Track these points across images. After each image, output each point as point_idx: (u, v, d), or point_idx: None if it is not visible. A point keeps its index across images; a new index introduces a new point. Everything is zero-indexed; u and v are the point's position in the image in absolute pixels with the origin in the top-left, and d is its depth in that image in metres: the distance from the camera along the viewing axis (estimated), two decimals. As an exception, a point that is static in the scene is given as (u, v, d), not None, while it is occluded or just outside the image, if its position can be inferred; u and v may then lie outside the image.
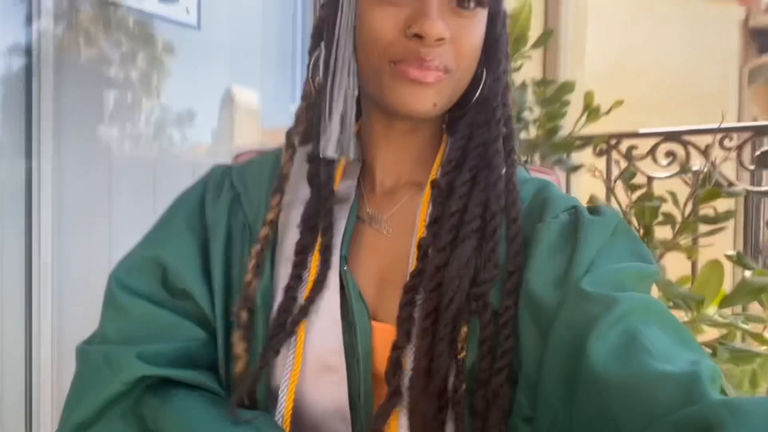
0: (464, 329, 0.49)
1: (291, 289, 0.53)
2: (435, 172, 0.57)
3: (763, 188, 1.61)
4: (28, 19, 1.06)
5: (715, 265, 1.09)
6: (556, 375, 0.43)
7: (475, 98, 0.57)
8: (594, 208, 0.54)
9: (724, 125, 1.41)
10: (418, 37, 0.49)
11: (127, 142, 1.24)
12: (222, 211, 0.59)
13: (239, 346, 0.54)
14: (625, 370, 0.38)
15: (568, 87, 1.52)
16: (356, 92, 0.53)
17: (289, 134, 0.59)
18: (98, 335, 0.56)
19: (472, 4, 0.52)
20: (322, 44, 0.54)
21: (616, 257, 0.49)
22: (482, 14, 0.55)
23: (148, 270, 0.56)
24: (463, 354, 0.49)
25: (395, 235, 0.57)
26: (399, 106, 0.52)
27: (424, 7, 0.50)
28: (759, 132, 1.57)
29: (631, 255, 0.50)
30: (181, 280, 0.55)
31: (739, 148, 1.53)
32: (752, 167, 1.54)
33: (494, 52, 0.58)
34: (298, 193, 0.59)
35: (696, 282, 1.12)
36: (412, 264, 0.53)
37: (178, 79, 1.28)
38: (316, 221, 0.55)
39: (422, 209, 0.55)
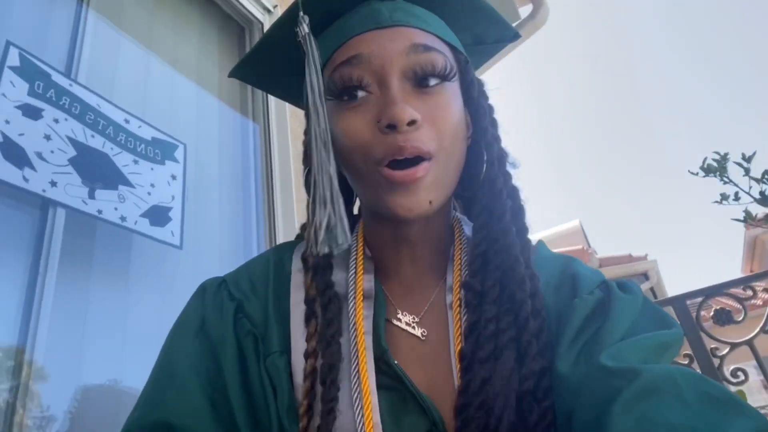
0: None
1: (331, 401, 0.49)
2: (458, 266, 0.56)
3: None
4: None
5: None
6: None
7: (482, 177, 0.57)
8: (621, 284, 0.55)
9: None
10: (392, 126, 0.49)
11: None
12: (228, 327, 0.54)
13: None
14: None
15: None
16: (339, 198, 0.50)
17: (305, 258, 0.57)
18: None
19: (432, 81, 0.52)
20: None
21: (642, 330, 0.49)
22: (451, 88, 0.54)
23: None
24: None
25: (431, 337, 0.54)
26: (395, 212, 0.51)
27: (387, 98, 0.50)
28: None
29: (656, 323, 0.50)
30: None
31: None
32: None
33: (478, 121, 0.58)
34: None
35: None
36: (456, 378, 0.49)
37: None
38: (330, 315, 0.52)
39: (455, 314, 0.53)
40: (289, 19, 0.58)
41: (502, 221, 0.55)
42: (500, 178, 0.57)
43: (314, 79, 0.52)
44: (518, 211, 0.57)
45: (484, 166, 0.59)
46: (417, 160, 0.50)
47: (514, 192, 0.57)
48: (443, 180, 0.52)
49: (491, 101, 0.61)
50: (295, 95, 0.64)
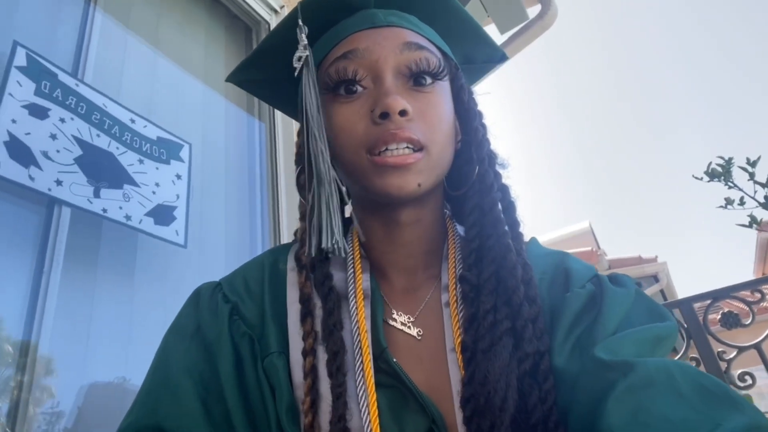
0: None
1: (339, 387, 0.49)
2: (452, 264, 0.57)
3: None
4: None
5: None
6: None
7: (474, 177, 0.58)
8: (613, 277, 0.55)
9: None
10: (384, 115, 0.51)
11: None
12: (223, 328, 0.54)
13: None
14: None
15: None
16: (336, 194, 0.52)
17: (298, 257, 0.58)
18: None
19: (425, 80, 0.55)
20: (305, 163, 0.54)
21: (636, 323, 0.49)
22: (442, 88, 0.57)
23: None
24: None
25: (426, 336, 0.55)
26: (385, 191, 0.52)
27: (381, 90, 0.52)
28: None
29: (650, 316, 0.51)
30: None
31: None
32: None
33: (468, 122, 0.60)
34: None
35: None
36: (458, 369, 0.50)
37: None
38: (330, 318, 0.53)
39: (452, 310, 0.54)
40: (286, 28, 0.60)
41: (493, 214, 0.56)
42: (490, 174, 0.58)
43: (310, 89, 0.54)
44: (509, 205, 0.58)
45: (476, 167, 0.60)
46: (409, 149, 0.52)
47: (504, 189, 0.59)
48: (432, 170, 0.54)
49: (480, 107, 0.62)
50: (287, 104, 0.67)
